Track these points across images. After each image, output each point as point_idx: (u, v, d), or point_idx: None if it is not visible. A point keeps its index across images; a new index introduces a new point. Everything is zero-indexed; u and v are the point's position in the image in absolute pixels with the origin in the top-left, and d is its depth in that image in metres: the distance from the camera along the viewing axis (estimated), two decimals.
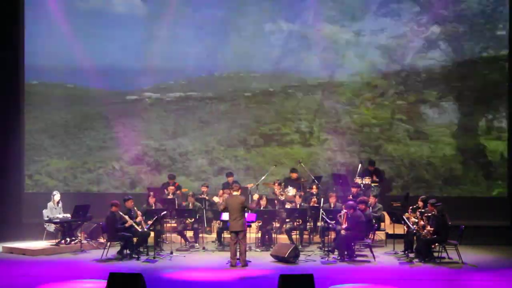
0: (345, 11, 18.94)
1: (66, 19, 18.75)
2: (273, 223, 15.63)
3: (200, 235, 15.86)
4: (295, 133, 19.09)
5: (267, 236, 15.42)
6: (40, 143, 19.14)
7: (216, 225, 15.98)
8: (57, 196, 15.86)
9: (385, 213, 15.98)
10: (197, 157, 19.10)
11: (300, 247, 14.91)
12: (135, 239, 14.45)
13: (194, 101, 19.27)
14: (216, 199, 16.28)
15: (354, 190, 16.08)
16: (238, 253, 13.50)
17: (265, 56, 19.07)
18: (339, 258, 13.98)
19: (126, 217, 14.46)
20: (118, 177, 19.03)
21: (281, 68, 19.10)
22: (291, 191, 16.39)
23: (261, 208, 15.39)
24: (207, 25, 19.04)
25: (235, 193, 13.88)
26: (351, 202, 14.34)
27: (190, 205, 15.75)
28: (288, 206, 15.90)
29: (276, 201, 16.09)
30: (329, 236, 14.90)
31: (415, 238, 14.42)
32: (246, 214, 14.11)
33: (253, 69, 19.17)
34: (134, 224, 14.42)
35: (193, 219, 15.63)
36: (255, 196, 16.02)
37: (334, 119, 18.94)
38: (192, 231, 15.76)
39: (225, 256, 14.03)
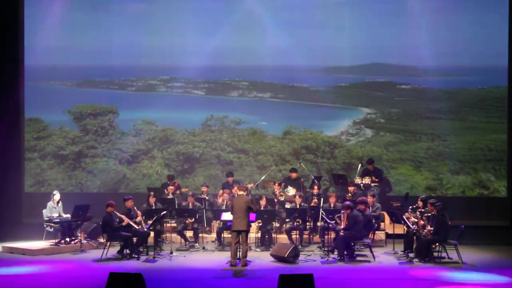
0: None
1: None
2: (273, 223, 15.63)
3: (200, 235, 15.86)
4: None
5: (267, 236, 15.42)
6: None
7: (216, 225, 15.97)
8: (57, 196, 15.85)
9: (384, 213, 15.98)
10: None
11: (300, 247, 14.92)
12: (135, 239, 14.46)
13: None
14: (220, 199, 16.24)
15: (351, 188, 16.09)
16: (239, 253, 13.52)
17: None
18: (339, 258, 13.98)
19: (123, 216, 14.46)
20: None
21: None
22: (291, 191, 16.40)
23: (261, 208, 15.39)
24: None
25: (240, 192, 13.89)
26: (347, 202, 14.34)
27: (190, 205, 15.75)
28: (288, 206, 15.90)
29: (275, 201, 16.09)
30: (329, 236, 14.91)
31: (415, 238, 14.42)
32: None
33: None
34: (131, 223, 14.42)
35: (193, 219, 15.63)
36: (263, 202, 15.58)
37: None
38: (192, 231, 15.77)
39: (225, 256, 14.04)
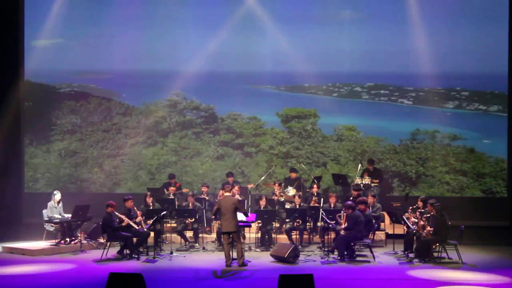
0: None
1: None
2: (273, 223, 15.63)
3: (200, 235, 15.87)
4: None
5: (267, 236, 15.42)
6: None
7: (216, 225, 15.96)
8: (57, 195, 15.86)
9: (385, 213, 15.98)
10: None
11: (300, 247, 14.92)
12: (135, 239, 14.47)
13: None
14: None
15: (355, 193, 15.94)
16: (235, 253, 13.51)
17: None
18: (339, 258, 13.99)
19: (123, 216, 14.47)
20: None
21: None
22: (291, 191, 16.40)
23: (261, 208, 15.40)
24: None
25: (227, 193, 13.90)
26: (349, 202, 14.34)
27: (190, 205, 15.76)
28: (288, 206, 15.89)
29: (275, 201, 16.09)
30: (329, 236, 14.91)
31: (415, 238, 14.43)
32: (248, 215, 14.11)
33: None
34: (131, 223, 14.43)
35: (193, 219, 15.63)
36: (262, 202, 15.55)
37: None
38: (192, 231, 15.77)
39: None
